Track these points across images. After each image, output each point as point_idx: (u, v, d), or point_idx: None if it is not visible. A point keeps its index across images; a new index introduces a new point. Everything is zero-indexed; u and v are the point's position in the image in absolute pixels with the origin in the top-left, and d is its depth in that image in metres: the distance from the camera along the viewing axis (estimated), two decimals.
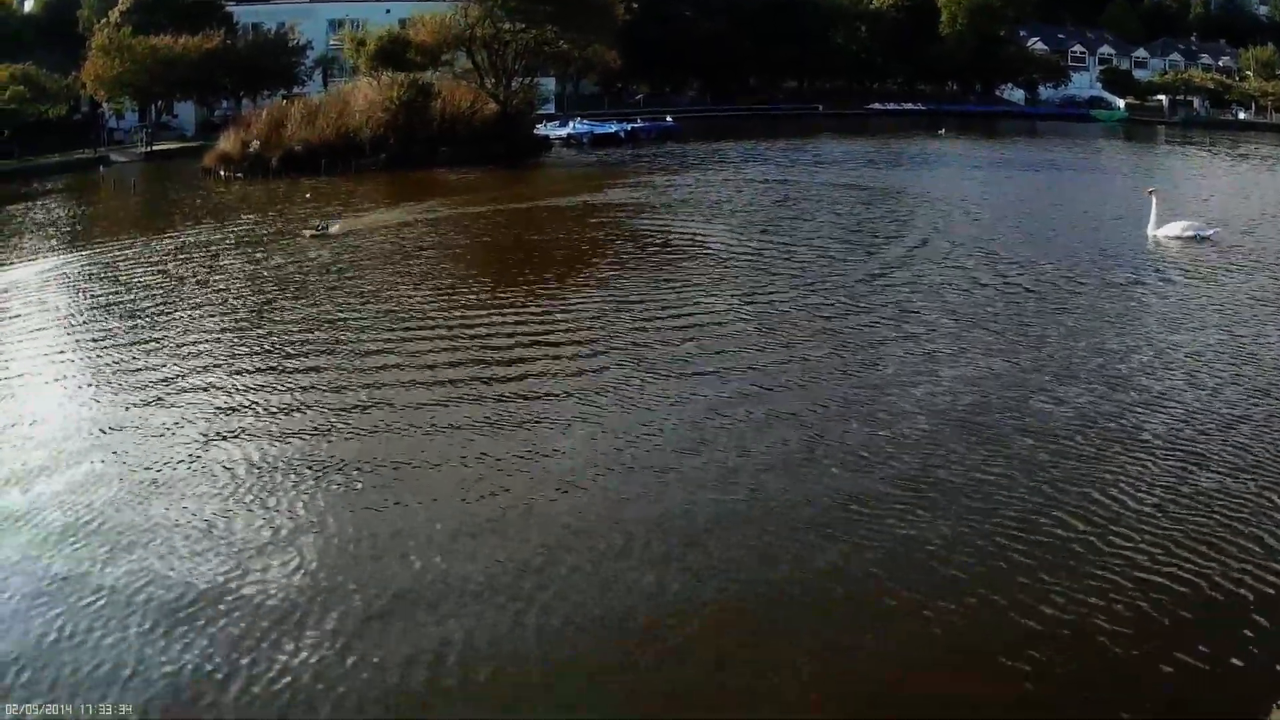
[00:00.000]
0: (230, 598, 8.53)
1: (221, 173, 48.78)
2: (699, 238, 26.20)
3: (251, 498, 10.54)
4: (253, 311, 19.41)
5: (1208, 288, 19.28)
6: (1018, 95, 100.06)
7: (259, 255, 25.92)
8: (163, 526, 9.91)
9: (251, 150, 48.76)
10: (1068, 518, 9.59)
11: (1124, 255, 22.46)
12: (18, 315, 19.96)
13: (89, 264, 25.94)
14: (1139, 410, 12.43)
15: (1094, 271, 20.63)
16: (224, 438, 12.22)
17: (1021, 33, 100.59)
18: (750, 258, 23.18)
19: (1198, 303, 18.06)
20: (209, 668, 7.56)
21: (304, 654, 7.73)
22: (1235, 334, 15.91)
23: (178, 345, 16.92)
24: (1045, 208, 32.76)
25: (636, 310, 18.10)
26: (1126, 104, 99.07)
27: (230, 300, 20.51)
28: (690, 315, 17.54)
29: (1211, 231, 23.73)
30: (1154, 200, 24.00)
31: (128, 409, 13.60)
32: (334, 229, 28.03)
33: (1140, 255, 22.45)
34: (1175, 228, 23.62)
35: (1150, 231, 23.78)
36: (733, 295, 18.95)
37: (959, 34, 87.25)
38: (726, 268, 21.99)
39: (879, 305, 18.05)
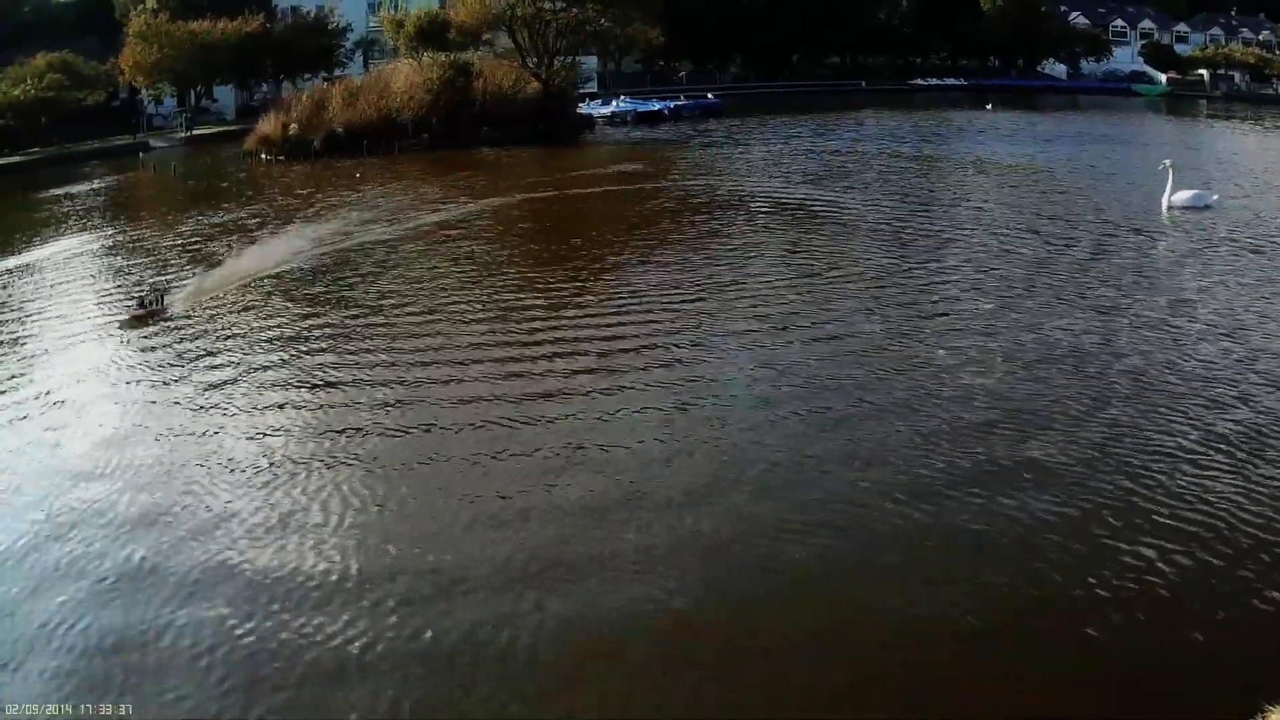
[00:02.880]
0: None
1: (263, 155, 48.52)
2: (778, 200, 28.48)
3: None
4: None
5: (1198, 245, 21.48)
6: (1059, 70, 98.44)
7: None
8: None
9: (292, 133, 48.42)
10: None
11: (1137, 221, 24.21)
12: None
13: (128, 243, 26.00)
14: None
15: (1110, 233, 22.69)
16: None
17: (1062, 7, 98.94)
18: (829, 222, 24.96)
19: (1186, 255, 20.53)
20: None
21: None
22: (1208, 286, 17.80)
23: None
24: (1087, 176, 33.31)
25: (754, 267, 19.79)
26: (1168, 78, 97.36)
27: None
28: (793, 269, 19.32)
29: (1214, 198, 25.60)
30: (1170, 172, 25.37)
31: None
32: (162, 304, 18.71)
33: (1151, 220, 24.43)
34: (1183, 196, 25.30)
35: (1165, 200, 25.30)
36: (805, 257, 20.70)
37: (1000, 9, 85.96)
38: (805, 230, 23.78)
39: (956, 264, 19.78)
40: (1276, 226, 23.26)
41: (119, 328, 17.13)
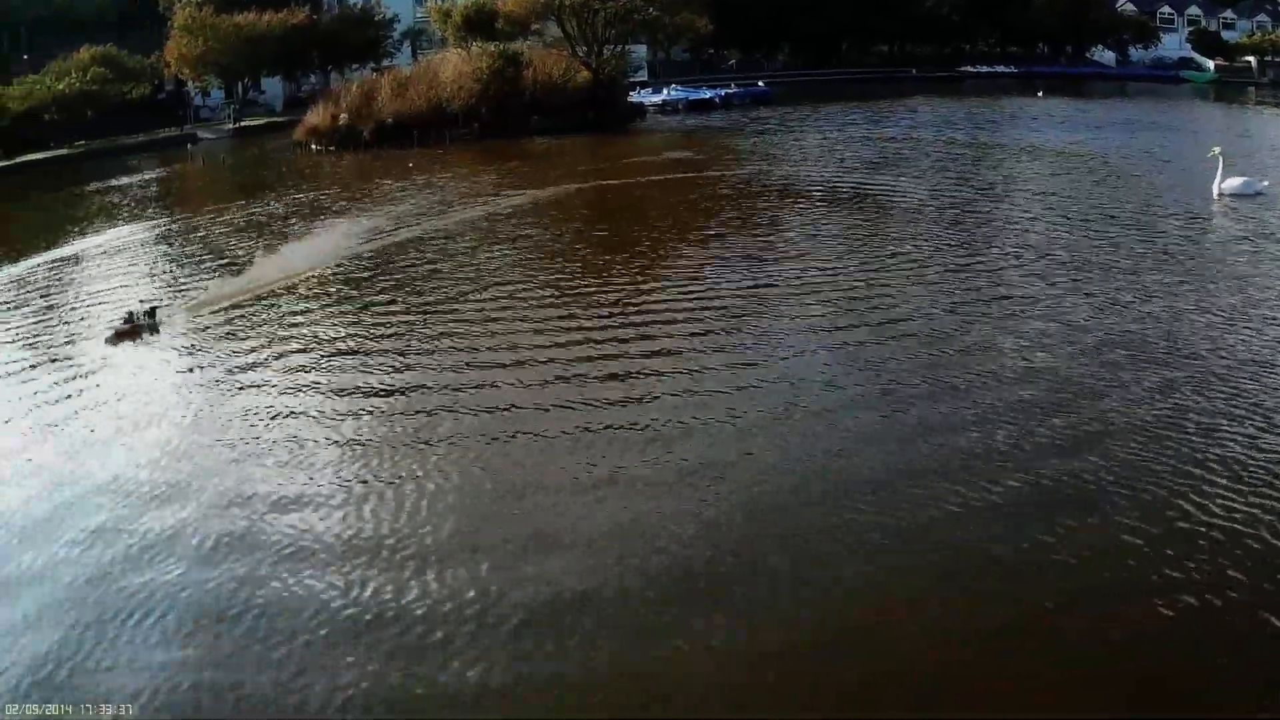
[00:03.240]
0: None
1: (312, 146, 48.48)
2: (837, 186, 28.41)
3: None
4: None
5: (1247, 231, 21.02)
6: (1108, 57, 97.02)
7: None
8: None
9: (342, 123, 48.30)
10: None
11: (1188, 207, 23.95)
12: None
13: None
14: None
15: (1162, 220, 22.59)
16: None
17: None
18: (888, 207, 24.79)
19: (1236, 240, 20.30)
20: None
21: None
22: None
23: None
24: (1140, 162, 32.71)
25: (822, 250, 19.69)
26: (1216, 65, 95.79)
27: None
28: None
29: (1264, 184, 25.11)
30: (1220, 160, 25.03)
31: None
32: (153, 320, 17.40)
33: (1202, 207, 24.11)
34: (1233, 183, 24.91)
35: (1215, 187, 24.90)
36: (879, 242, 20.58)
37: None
38: (876, 215, 23.66)
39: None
40: None
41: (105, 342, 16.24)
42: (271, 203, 31.53)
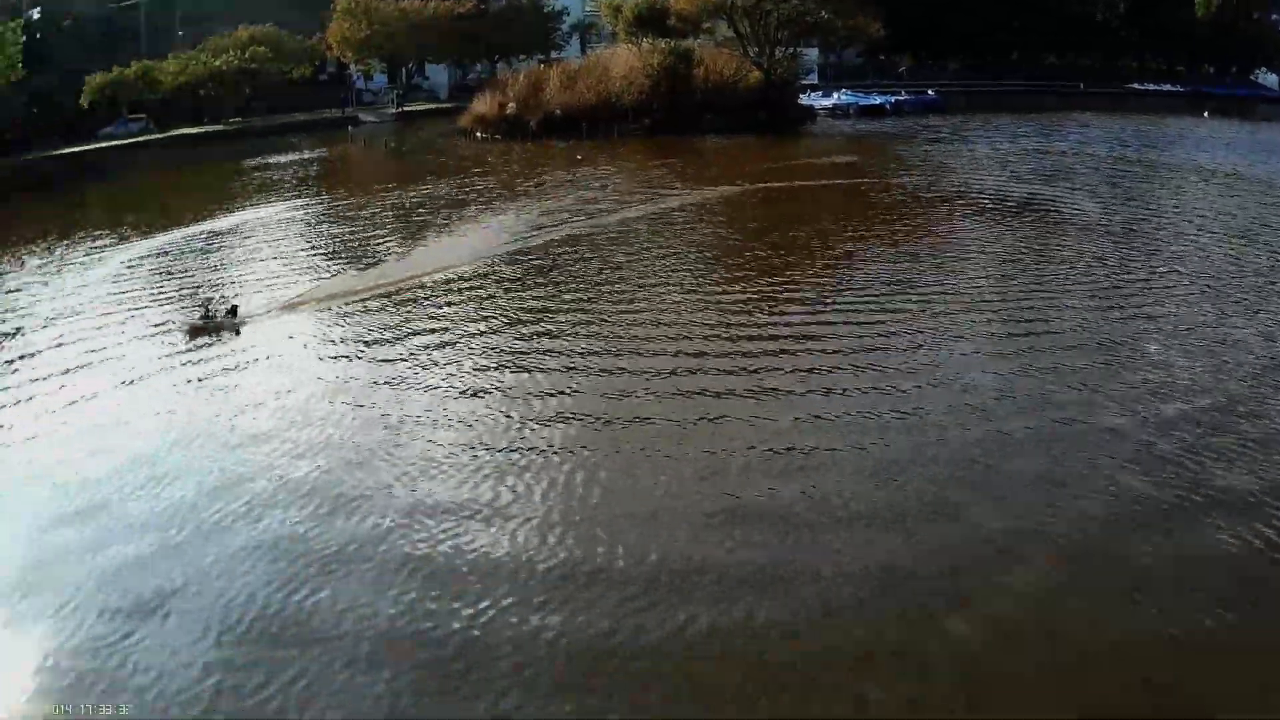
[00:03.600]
0: None
1: (478, 134, 48.88)
2: (1006, 197, 27.92)
3: None
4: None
5: None
6: (1271, 80, 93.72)
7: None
8: None
9: (510, 112, 48.55)
10: None
11: None
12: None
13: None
14: None
15: None
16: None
17: (1274, 15, 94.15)
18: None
19: None
20: None
21: None
22: None
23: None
24: None
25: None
26: None
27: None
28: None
29: None
30: None
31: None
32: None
33: None
34: None
35: None
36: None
37: (1215, 15, 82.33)
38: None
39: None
40: None
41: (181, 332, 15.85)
42: (428, 190, 31.81)
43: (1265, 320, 15.27)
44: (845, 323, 15.33)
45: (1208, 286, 17.33)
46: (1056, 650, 7.29)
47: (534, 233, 23.07)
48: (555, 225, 23.87)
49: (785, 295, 17.13)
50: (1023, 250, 20.84)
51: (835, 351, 13.83)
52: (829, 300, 16.87)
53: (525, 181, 32.70)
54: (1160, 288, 17.47)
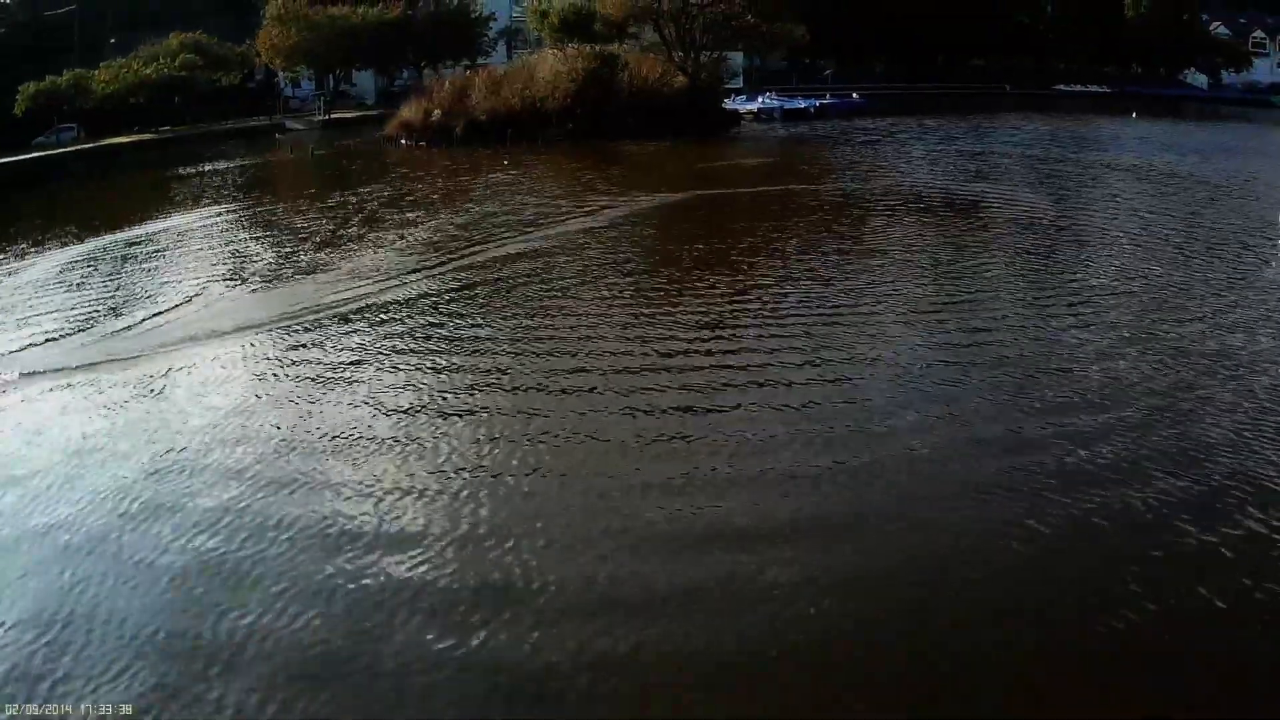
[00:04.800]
0: None
1: (403, 140, 48.55)
2: (935, 197, 27.38)
3: None
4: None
5: None
6: (1200, 80, 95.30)
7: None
8: None
9: (434, 119, 48.26)
10: None
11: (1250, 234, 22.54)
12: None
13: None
14: None
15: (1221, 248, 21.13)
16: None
17: (1203, 16, 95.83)
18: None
19: None
20: None
21: None
22: None
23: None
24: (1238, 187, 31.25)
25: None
26: None
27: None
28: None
29: None
30: None
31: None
32: None
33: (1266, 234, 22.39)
34: None
35: None
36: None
37: (1146, 16, 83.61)
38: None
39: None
40: None
41: None
42: (349, 198, 30.86)
43: (1202, 321, 15.14)
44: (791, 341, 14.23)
45: (1146, 288, 17.29)
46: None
47: (448, 252, 21.45)
48: (472, 243, 22.19)
49: (723, 322, 15.58)
50: (946, 250, 20.79)
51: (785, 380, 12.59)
52: (780, 317, 15.77)
53: (445, 191, 32.16)
54: (1093, 285, 17.44)
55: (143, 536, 8.92)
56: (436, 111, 48.57)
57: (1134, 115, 61.76)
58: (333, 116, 61.75)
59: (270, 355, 14.15)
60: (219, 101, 63.92)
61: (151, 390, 12.85)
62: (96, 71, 59.52)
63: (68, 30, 68.94)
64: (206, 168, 44.50)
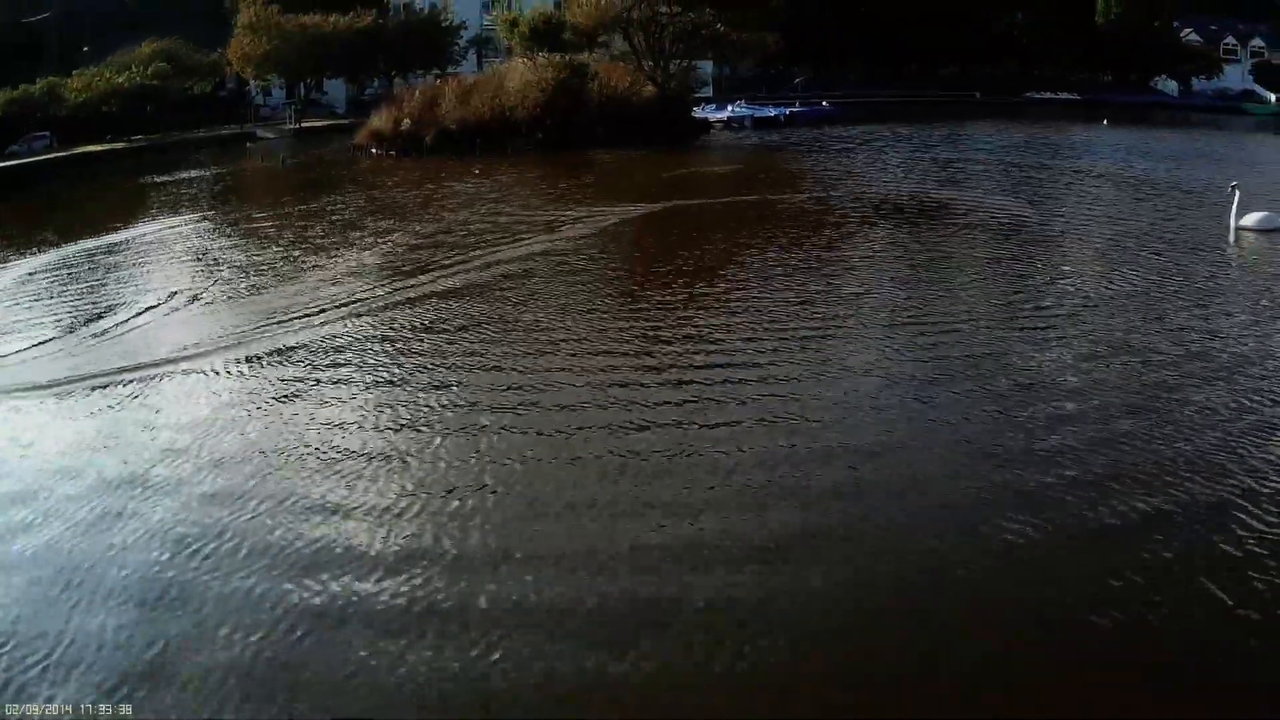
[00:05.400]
0: None
1: (373, 150, 48.46)
2: (904, 204, 27.54)
3: None
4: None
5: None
6: (1170, 86, 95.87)
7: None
8: None
9: (404, 128, 48.25)
10: None
11: (1207, 240, 22.77)
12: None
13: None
14: None
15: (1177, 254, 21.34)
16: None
17: (1174, 23, 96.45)
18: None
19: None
20: None
21: None
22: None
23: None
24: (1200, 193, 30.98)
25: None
26: (1278, 98, 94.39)
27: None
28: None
29: None
30: (1236, 195, 23.74)
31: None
32: None
33: (1218, 240, 22.75)
34: (1255, 218, 23.52)
35: (1231, 223, 23.53)
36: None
37: (1115, 23, 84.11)
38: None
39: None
40: None
41: None
42: (312, 213, 30.41)
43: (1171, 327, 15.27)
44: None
45: (1120, 296, 17.44)
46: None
47: (411, 272, 20.61)
48: (438, 263, 21.32)
49: (699, 336, 15.26)
50: (913, 258, 20.99)
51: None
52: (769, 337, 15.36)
53: (415, 201, 31.88)
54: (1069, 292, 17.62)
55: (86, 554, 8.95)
56: (406, 121, 48.54)
57: (1105, 122, 62.21)
58: (303, 125, 61.59)
59: (220, 381, 13.73)
60: (191, 110, 63.74)
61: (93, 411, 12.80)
62: (69, 79, 59.39)
63: (44, 39, 68.93)
64: (177, 176, 44.35)
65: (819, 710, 6.79)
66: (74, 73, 60.43)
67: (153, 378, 13.90)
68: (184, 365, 14.38)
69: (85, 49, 68.79)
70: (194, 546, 8.91)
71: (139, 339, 16.11)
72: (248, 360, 14.49)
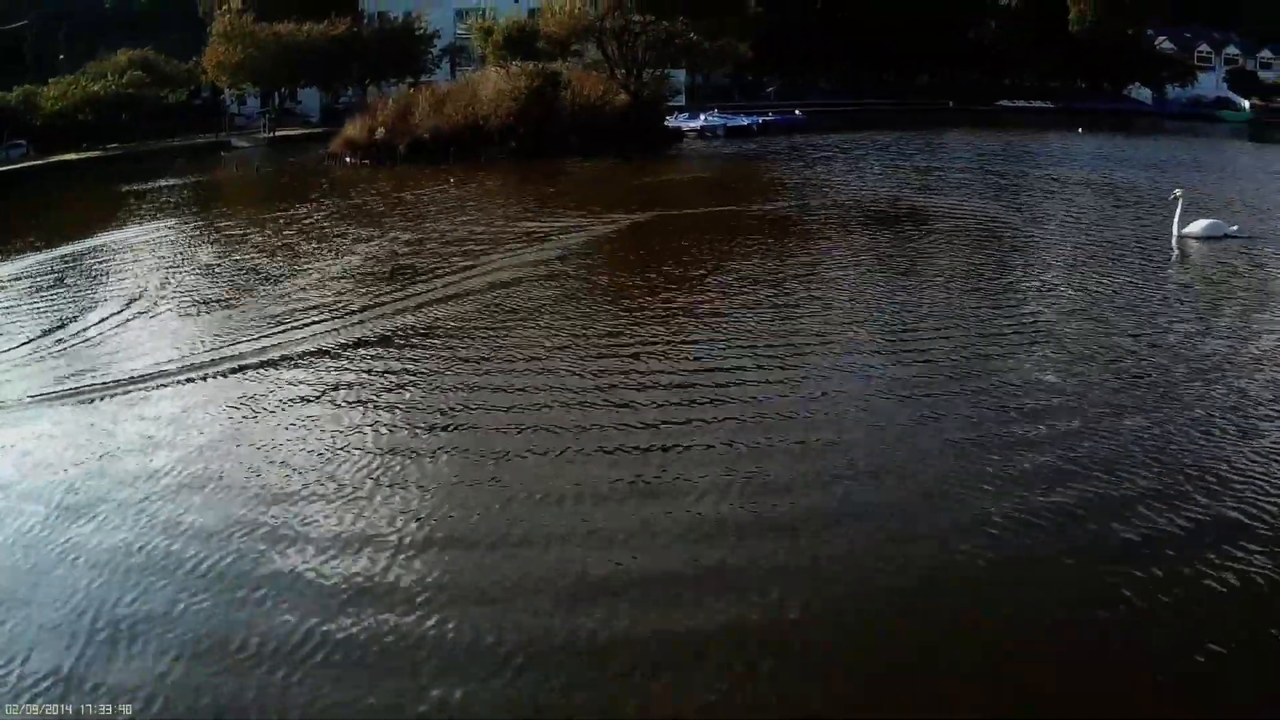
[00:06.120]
0: None
1: (347, 159, 48.33)
2: (874, 213, 27.28)
3: None
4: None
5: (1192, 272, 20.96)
6: (1145, 94, 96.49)
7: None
8: None
9: (379, 137, 48.18)
10: None
11: (1150, 247, 23.26)
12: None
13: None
14: None
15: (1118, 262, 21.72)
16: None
17: (1148, 31, 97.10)
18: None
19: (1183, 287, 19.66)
20: None
21: None
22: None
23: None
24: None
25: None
26: (1252, 104, 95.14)
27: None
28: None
29: (1233, 228, 24.11)
30: (1179, 202, 24.09)
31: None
32: None
33: (1161, 247, 23.24)
34: (1199, 226, 23.90)
35: (1175, 231, 23.93)
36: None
37: (1089, 31, 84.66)
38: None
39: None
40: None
41: None
42: (282, 222, 30.10)
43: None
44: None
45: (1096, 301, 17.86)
46: None
47: (386, 283, 20.31)
48: (408, 282, 20.71)
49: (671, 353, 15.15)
50: (878, 266, 21.33)
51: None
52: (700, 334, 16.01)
53: (389, 211, 31.71)
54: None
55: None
56: (380, 129, 48.45)
57: (1080, 130, 62.61)
58: (278, 134, 61.39)
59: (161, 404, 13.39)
60: (166, 119, 63.48)
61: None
62: (46, 88, 59.17)
63: (21, 46, 68.61)
64: (152, 185, 44.12)
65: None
66: (50, 81, 60.09)
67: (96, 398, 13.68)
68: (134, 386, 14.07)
69: (61, 57, 68.58)
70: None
71: (93, 353, 15.94)
72: (190, 380, 14.30)
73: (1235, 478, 10.33)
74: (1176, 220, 23.96)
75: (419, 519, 9.73)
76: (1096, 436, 11.40)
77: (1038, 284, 19.46)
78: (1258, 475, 10.34)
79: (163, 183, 44.86)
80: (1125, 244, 23.72)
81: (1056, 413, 12.21)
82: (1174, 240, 23.60)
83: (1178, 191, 24.58)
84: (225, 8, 65.45)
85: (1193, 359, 14.46)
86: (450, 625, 7.90)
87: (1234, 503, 9.76)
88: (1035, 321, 16.51)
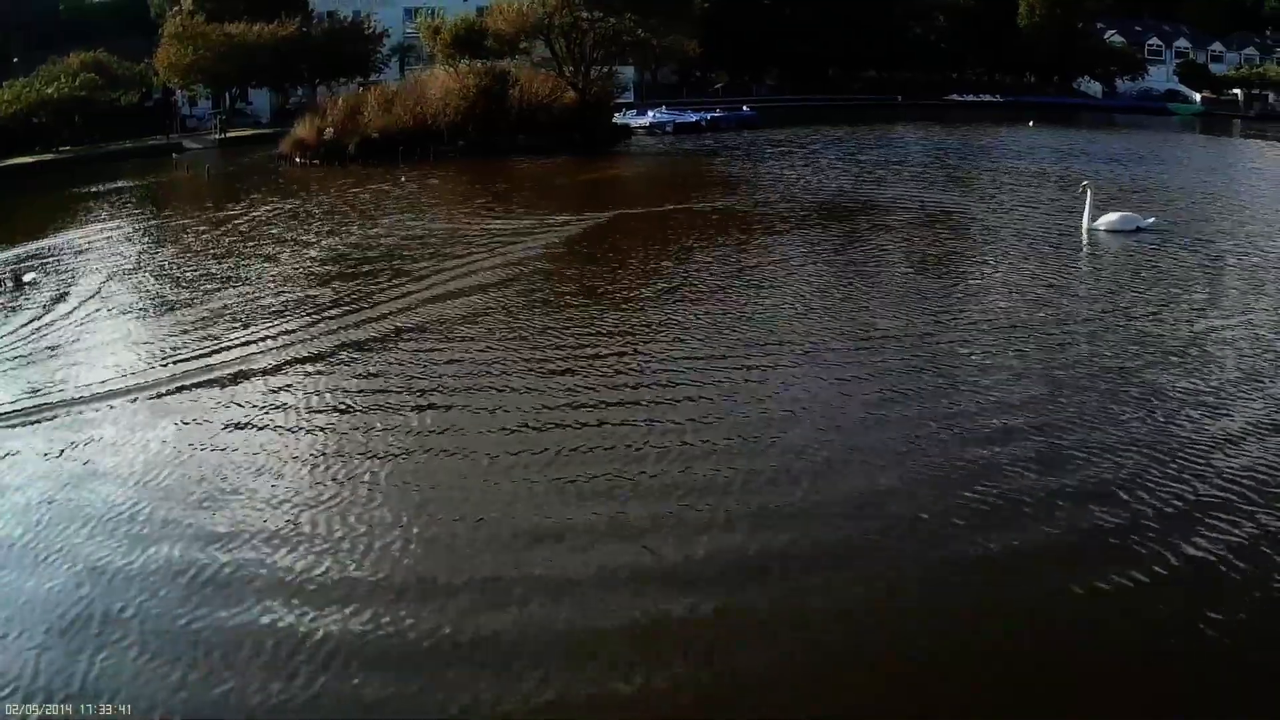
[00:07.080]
0: None
1: (297, 159, 48.39)
2: (828, 210, 27.21)
3: None
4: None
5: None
6: (1094, 88, 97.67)
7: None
8: None
9: (327, 137, 48.30)
10: None
11: (1058, 241, 23.52)
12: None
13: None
14: None
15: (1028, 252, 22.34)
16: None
17: (1099, 25, 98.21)
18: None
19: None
20: None
21: None
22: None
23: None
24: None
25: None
26: (1202, 98, 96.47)
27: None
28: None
29: (1149, 220, 24.18)
30: (1087, 195, 24.30)
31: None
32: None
33: (1069, 240, 23.53)
34: (1110, 219, 24.05)
35: (1085, 225, 24.07)
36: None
37: (1038, 25, 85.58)
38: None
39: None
40: (1197, 249, 22.05)
41: None
42: (234, 220, 30.18)
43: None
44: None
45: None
46: None
47: (318, 293, 19.82)
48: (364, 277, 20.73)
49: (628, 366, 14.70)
50: (821, 260, 21.72)
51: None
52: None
53: (326, 218, 30.96)
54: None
55: None
56: (329, 129, 48.56)
57: (1031, 124, 63.43)
58: (228, 135, 61.33)
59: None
60: (119, 121, 63.28)
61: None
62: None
63: None
64: (103, 188, 44.00)
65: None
66: (3, 84, 59.76)
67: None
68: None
69: (15, 60, 68.20)
70: None
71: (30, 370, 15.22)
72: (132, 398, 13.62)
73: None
74: (1086, 213, 24.14)
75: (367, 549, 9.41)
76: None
77: (953, 275, 20.00)
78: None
79: (114, 185, 44.75)
80: (1043, 236, 24.12)
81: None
82: (1084, 233, 23.81)
83: (1085, 184, 24.92)
84: (176, 9, 65.24)
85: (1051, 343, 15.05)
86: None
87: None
88: (943, 310, 17.03)
